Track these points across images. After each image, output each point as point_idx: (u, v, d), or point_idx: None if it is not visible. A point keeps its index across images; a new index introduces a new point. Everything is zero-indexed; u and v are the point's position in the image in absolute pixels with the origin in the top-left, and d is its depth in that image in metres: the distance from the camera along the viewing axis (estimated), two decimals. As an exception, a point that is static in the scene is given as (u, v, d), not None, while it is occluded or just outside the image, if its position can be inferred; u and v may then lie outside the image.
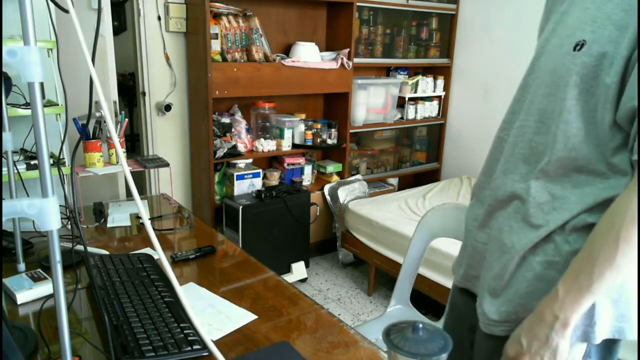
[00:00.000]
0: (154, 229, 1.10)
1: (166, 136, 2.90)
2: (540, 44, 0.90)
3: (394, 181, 3.73)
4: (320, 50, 3.04)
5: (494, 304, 0.89)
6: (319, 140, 3.15)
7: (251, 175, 2.91)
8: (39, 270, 1.12)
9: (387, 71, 3.62)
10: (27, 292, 1.03)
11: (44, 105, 1.50)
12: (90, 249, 1.29)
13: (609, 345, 0.90)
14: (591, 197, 0.80)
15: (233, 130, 2.88)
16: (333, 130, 3.17)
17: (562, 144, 0.80)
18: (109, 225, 1.50)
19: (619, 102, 0.75)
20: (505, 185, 0.89)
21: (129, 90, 4.59)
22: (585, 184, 0.81)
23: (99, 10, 0.72)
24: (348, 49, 3.05)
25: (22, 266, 1.16)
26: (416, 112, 3.60)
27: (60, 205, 0.61)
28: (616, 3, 0.76)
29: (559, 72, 0.81)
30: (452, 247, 2.15)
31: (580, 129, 0.79)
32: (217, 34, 2.65)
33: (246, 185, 2.90)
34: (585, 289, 0.75)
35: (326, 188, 3.17)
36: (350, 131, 3.24)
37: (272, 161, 3.27)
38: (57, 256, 0.59)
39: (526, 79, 0.91)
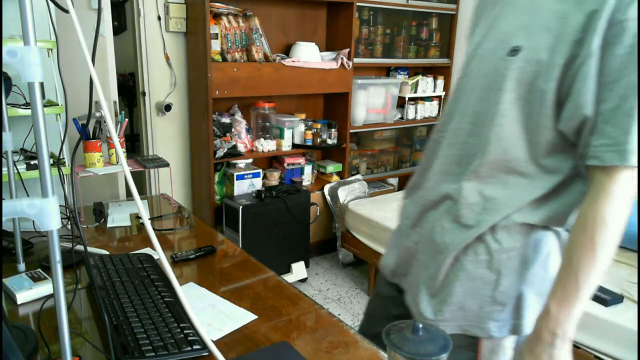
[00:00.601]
0: (154, 229, 1.10)
1: (166, 136, 2.90)
2: (471, 47, 0.91)
3: (394, 181, 3.73)
4: (320, 50, 3.04)
5: (430, 304, 0.92)
6: (319, 140, 3.15)
7: (251, 175, 2.91)
8: (39, 270, 1.12)
9: (387, 71, 3.62)
10: (27, 292, 1.03)
11: (44, 105, 1.50)
12: (90, 249, 1.29)
13: None
14: (520, 197, 0.84)
15: (233, 130, 2.88)
16: (333, 130, 3.17)
17: (494, 146, 0.83)
18: (109, 225, 1.50)
19: (556, 108, 0.78)
20: (438, 185, 0.92)
21: (129, 90, 4.58)
22: (514, 185, 0.84)
23: (99, 10, 0.72)
24: (348, 49, 3.05)
25: (22, 266, 1.16)
26: (416, 112, 3.60)
27: (60, 205, 0.61)
28: (552, 11, 0.77)
29: (493, 77, 0.83)
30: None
31: (513, 132, 0.82)
32: (217, 34, 2.65)
33: (246, 185, 2.90)
34: (575, 298, 0.77)
35: (326, 188, 3.17)
36: (350, 131, 3.24)
37: (272, 161, 3.27)
38: (57, 256, 0.59)
39: (459, 82, 0.92)
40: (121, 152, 0.62)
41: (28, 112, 1.50)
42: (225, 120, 2.86)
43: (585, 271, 0.77)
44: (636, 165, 0.73)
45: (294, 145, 3.07)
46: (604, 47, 0.73)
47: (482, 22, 0.92)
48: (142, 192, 2.98)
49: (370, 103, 3.33)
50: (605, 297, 1.84)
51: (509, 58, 0.80)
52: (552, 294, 0.80)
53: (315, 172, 3.29)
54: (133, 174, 0.77)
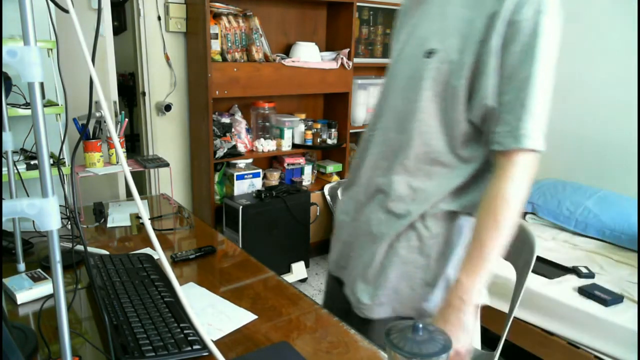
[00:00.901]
0: (154, 229, 1.10)
1: (166, 136, 2.90)
2: (395, 52, 1.01)
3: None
4: (320, 50, 3.04)
5: (367, 290, 1.00)
6: (319, 140, 3.15)
7: (251, 175, 2.91)
8: (39, 270, 1.12)
9: (387, 71, 3.62)
10: (27, 292, 1.03)
11: (44, 105, 1.50)
12: (90, 249, 1.29)
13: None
14: (443, 187, 0.93)
15: (233, 130, 2.88)
16: (333, 130, 3.17)
17: (417, 140, 0.93)
18: (109, 225, 1.50)
19: (468, 102, 0.88)
20: (371, 180, 1.01)
21: (129, 90, 4.58)
22: (437, 176, 0.94)
23: (99, 10, 0.72)
24: (348, 49, 3.05)
25: (22, 266, 1.16)
26: (416, 112, 3.60)
27: (60, 205, 0.61)
28: (458, 17, 0.87)
29: (413, 77, 0.92)
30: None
31: (433, 126, 0.91)
32: (217, 34, 2.65)
33: (246, 185, 2.90)
34: (480, 269, 0.88)
35: (326, 188, 3.17)
36: (350, 131, 3.24)
37: (272, 161, 3.27)
38: (57, 256, 0.59)
39: (386, 84, 1.01)
40: (121, 152, 0.62)
41: (28, 112, 1.51)
42: (225, 120, 2.86)
43: (490, 245, 0.87)
44: (531, 148, 0.83)
45: (294, 145, 3.07)
46: (503, 45, 0.83)
47: (403, 30, 1.02)
48: (142, 192, 2.98)
49: (370, 103, 3.33)
50: (605, 297, 1.84)
51: (426, 60, 0.89)
52: (462, 266, 0.90)
53: (315, 172, 3.29)
54: (133, 174, 0.77)
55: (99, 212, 1.55)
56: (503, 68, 0.84)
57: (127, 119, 1.73)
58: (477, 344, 1.46)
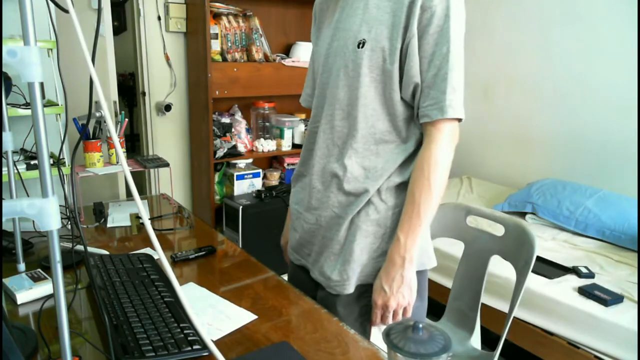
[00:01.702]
0: (154, 229, 1.10)
1: (166, 136, 2.90)
2: (322, 48, 1.09)
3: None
4: (320, 50, 3.03)
5: (335, 267, 1.07)
6: (319, 140, 3.14)
7: (251, 175, 2.91)
8: (39, 270, 1.12)
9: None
10: (27, 292, 1.03)
11: (44, 105, 1.50)
12: (90, 249, 1.29)
13: (420, 277, 1.09)
14: (392, 162, 1.03)
15: (233, 130, 2.88)
16: (333, 130, 3.17)
17: (363, 124, 1.01)
18: (109, 225, 1.50)
19: (401, 83, 0.98)
20: (325, 168, 1.08)
21: (129, 90, 4.58)
22: (385, 153, 1.03)
23: (99, 10, 0.72)
24: (348, 49, 3.04)
25: (22, 266, 1.16)
26: (416, 112, 3.60)
27: (60, 205, 0.61)
28: (382, 9, 0.96)
29: (350, 66, 1.00)
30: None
31: (376, 109, 1.01)
32: (217, 34, 2.65)
33: (246, 185, 2.90)
34: (418, 228, 0.98)
35: (326, 188, 3.16)
36: (350, 131, 3.23)
37: (272, 161, 3.27)
38: (57, 256, 0.59)
39: (322, 78, 1.08)
40: (121, 152, 0.62)
41: (28, 112, 1.51)
42: (225, 120, 2.86)
43: (425, 206, 0.97)
44: (452, 116, 0.94)
45: (294, 145, 3.07)
46: (421, 29, 0.94)
47: (325, 29, 1.11)
48: (142, 192, 2.98)
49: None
50: (605, 297, 1.84)
51: (359, 50, 0.98)
52: (400, 226, 0.99)
53: (315, 172, 3.29)
54: (133, 174, 0.77)
55: (99, 212, 1.55)
56: (423, 49, 0.95)
57: (127, 119, 1.73)
58: (477, 344, 1.46)
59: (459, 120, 0.98)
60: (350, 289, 1.06)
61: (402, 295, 1.00)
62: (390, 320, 1.03)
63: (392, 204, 1.04)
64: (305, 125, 3.10)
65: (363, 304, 1.08)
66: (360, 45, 0.98)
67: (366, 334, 1.08)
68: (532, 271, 1.30)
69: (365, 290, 1.07)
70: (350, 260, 1.05)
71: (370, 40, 0.97)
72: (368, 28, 0.98)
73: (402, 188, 1.04)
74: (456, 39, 0.94)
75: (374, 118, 1.01)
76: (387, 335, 0.65)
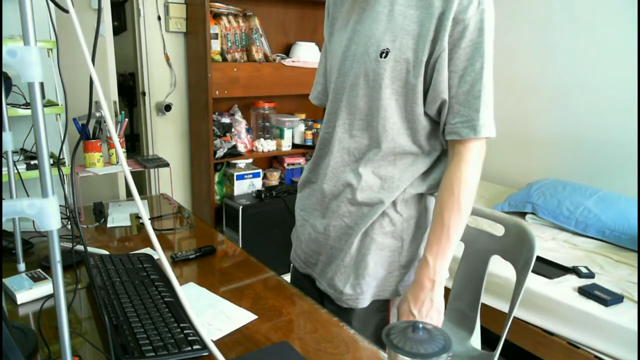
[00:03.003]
0: (154, 229, 1.09)
1: (166, 136, 2.90)
2: (338, 49, 1.02)
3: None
4: (320, 50, 3.04)
5: (349, 281, 1.03)
6: (319, 140, 3.15)
7: (251, 175, 2.91)
8: (39, 270, 1.12)
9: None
10: (27, 292, 1.03)
11: (44, 105, 1.50)
12: (90, 249, 1.29)
13: None
14: (410, 174, 0.99)
15: (233, 130, 2.88)
16: (333, 130, 3.17)
17: (384, 137, 0.97)
18: (109, 225, 1.50)
19: (424, 97, 0.93)
20: (339, 177, 1.03)
21: (129, 90, 4.58)
22: (405, 165, 0.99)
23: (99, 10, 0.72)
24: (348, 49, 3.04)
25: (22, 266, 1.16)
26: (416, 112, 3.59)
27: (60, 205, 0.61)
28: (407, 17, 0.91)
29: (371, 76, 0.95)
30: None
31: (396, 122, 0.96)
32: (217, 34, 2.65)
33: (246, 185, 2.90)
34: (447, 250, 0.94)
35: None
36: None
37: (272, 161, 3.27)
38: (57, 256, 0.59)
39: (337, 82, 1.03)
40: (121, 152, 0.62)
41: (28, 112, 1.51)
42: (225, 120, 2.86)
43: (455, 227, 0.93)
44: (485, 136, 0.91)
45: (294, 145, 3.07)
46: (453, 42, 0.89)
47: (340, 28, 1.05)
48: (142, 192, 2.98)
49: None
50: (605, 297, 1.84)
51: (381, 59, 0.93)
52: (428, 248, 0.96)
53: (315, 172, 3.29)
54: (133, 174, 0.77)
55: (99, 212, 1.55)
56: (454, 64, 0.90)
57: (127, 119, 1.73)
58: (477, 344, 1.46)
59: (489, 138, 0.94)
60: (364, 303, 1.03)
61: (431, 319, 0.97)
62: None
63: (407, 215, 1.00)
64: (306, 126, 3.10)
65: (379, 319, 1.05)
66: (384, 55, 0.92)
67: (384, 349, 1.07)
68: (532, 271, 1.29)
69: (381, 305, 1.05)
70: (364, 274, 1.01)
71: (394, 50, 0.92)
72: (392, 37, 0.92)
73: (418, 199, 1.01)
74: (489, 54, 0.90)
75: (394, 132, 0.97)
76: (387, 335, 0.65)
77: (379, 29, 0.94)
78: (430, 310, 0.96)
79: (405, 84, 0.93)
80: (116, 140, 0.58)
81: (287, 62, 2.87)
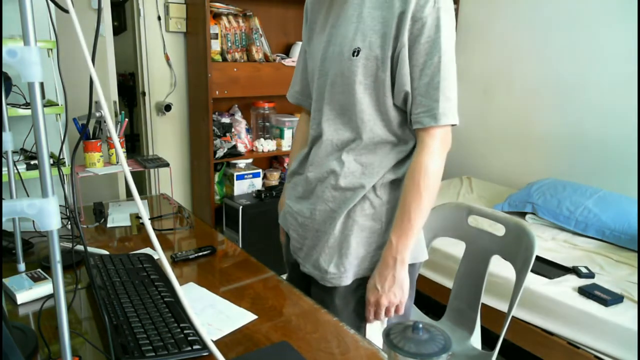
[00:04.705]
0: (154, 229, 1.09)
1: (166, 136, 2.90)
2: (318, 52, 1.11)
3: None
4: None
5: (332, 260, 1.09)
6: (319, 140, 3.14)
7: (251, 175, 2.91)
8: (39, 270, 1.12)
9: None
10: (27, 292, 1.03)
11: (44, 105, 1.50)
12: (90, 249, 1.29)
13: (411, 269, 1.14)
14: (388, 160, 1.07)
15: (233, 130, 2.88)
16: (333, 130, 3.17)
17: (362, 128, 1.05)
18: (109, 225, 1.50)
19: (393, 90, 1.01)
20: (323, 165, 1.11)
21: (129, 90, 4.58)
22: (384, 153, 1.07)
23: (99, 10, 0.72)
24: (348, 49, 3.04)
25: (22, 266, 1.16)
26: (416, 112, 3.59)
27: (60, 205, 0.61)
28: (374, 17, 0.99)
29: (346, 74, 1.03)
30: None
31: (372, 114, 1.04)
32: (217, 34, 2.65)
33: (246, 185, 2.90)
34: (409, 232, 1.02)
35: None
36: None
37: (272, 161, 3.27)
38: (57, 256, 0.59)
39: (319, 82, 1.11)
40: (121, 152, 0.62)
41: (28, 112, 1.50)
42: (225, 120, 2.86)
43: (415, 210, 1.01)
44: (445, 124, 0.98)
45: (294, 145, 3.07)
46: (413, 38, 0.96)
47: (318, 31, 1.13)
48: (142, 192, 2.98)
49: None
50: (605, 297, 1.84)
51: (354, 58, 1.01)
52: (392, 229, 1.04)
53: (315, 172, 3.28)
54: (133, 174, 0.77)
55: (99, 212, 1.55)
56: (415, 58, 0.97)
57: (127, 119, 1.73)
58: (478, 343, 1.46)
59: (453, 125, 1.01)
60: (347, 281, 1.09)
61: (394, 294, 1.05)
62: (382, 317, 1.08)
63: (386, 199, 1.08)
64: (305, 125, 3.10)
65: (359, 296, 1.11)
66: (355, 54, 1.01)
67: (361, 327, 1.12)
68: (532, 271, 1.30)
69: (361, 283, 1.10)
70: (347, 253, 1.08)
71: (365, 49, 1.00)
72: (362, 37, 1.00)
73: (397, 184, 1.07)
74: (447, 48, 0.96)
75: (371, 123, 1.05)
76: (387, 335, 0.65)
77: (350, 30, 1.02)
78: (393, 285, 1.04)
79: (376, 79, 1.01)
80: (116, 140, 0.58)
81: (287, 62, 2.87)
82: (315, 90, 1.13)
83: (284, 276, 1.21)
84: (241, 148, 2.89)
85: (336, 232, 1.09)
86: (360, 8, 1.02)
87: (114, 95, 2.61)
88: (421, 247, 1.15)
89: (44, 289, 1.04)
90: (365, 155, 1.07)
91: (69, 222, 1.42)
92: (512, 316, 1.33)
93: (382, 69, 1.00)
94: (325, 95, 1.09)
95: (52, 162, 0.74)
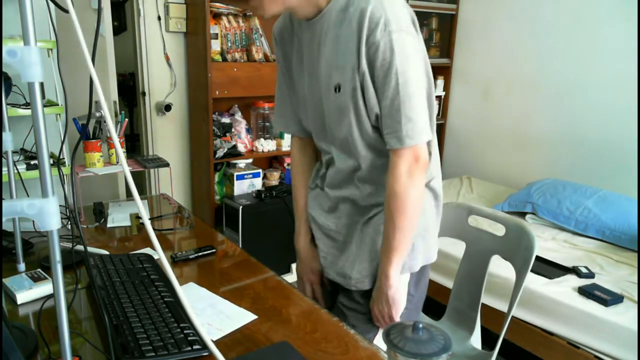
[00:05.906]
0: (154, 229, 1.09)
1: (166, 136, 2.90)
2: (301, 85, 1.15)
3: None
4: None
5: (354, 266, 1.14)
6: (319, 140, 3.14)
7: (251, 175, 2.91)
8: (39, 270, 1.12)
9: (387, 71, 3.62)
10: (27, 292, 1.03)
11: (44, 105, 1.50)
12: (90, 249, 1.29)
13: (422, 270, 1.19)
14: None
15: (233, 130, 2.88)
16: (333, 130, 3.17)
17: (362, 158, 1.09)
18: (109, 225, 1.50)
19: (369, 115, 1.03)
20: (341, 188, 1.17)
21: (129, 90, 4.58)
22: (384, 173, 1.06)
23: (99, 10, 0.72)
24: (348, 49, 3.04)
25: (22, 266, 1.16)
26: (416, 112, 3.59)
27: (60, 205, 0.61)
28: (347, 50, 0.98)
29: (342, 109, 1.04)
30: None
31: (363, 145, 1.07)
32: (217, 34, 2.65)
33: (246, 185, 2.90)
34: (390, 252, 1.05)
35: (326, 188, 3.16)
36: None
37: (272, 161, 3.26)
38: (57, 256, 0.59)
39: (314, 121, 1.15)
40: (121, 152, 0.62)
41: (28, 112, 1.50)
42: (225, 120, 2.86)
43: (392, 233, 1.03)
44: (409, 145, 0.98)
45: (294, 145, 3.07)
46: (370, 63, 0.97)
47: (297, 65, 1.15)
48: (142, 192, 2.98)
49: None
50: (605, 297, 1.84)
51: (337, 94, 1.03)
52: (381, 256, 1.08)
53: (315, 172, 3.28)
54: (133, 174, 0.77)
55: (99, 212, 1.56)
56: (375, 82, 0.98)
57: (127, 119, 1.73)
58: (478, 343, 1.46)
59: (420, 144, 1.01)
60: (369, 285, 1.14)
61: (382, 305, 1.10)
62: (381, 324, 1.14)
63: None
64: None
65: None
66: (337, 90, 1.02)
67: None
68: (532, 271, 1.30)
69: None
70: (364, 258, 1.14)
71: (343, 85, 1.01)
72: (338, 72, 1.01)
73: None
74: (405, 69, 0.95)
75: (364, 152, 1.08)
76: (387, 335, 0.65)
77: (330, 66, 1.03)
78: (381, 297, 1.10)
79: (358, 108, 1.02)
80: (116, 140, 0.58)
81: (287, 62, 2.86)
82: (313, 127, 1.19)
83: (285, 276, 1.21)
84: (241, 148, 2.89)
85: (358, 240, 1.15)
86: (337, 41, 1.01)
87: (114, 95, 2.61)
88: (431, 249, 1.18)
89: (44, 289, 1.04)
90: (374, 176, 1.11)
91: (69, 222, 1.42)
92: (512, 316, 1.33)
93: (360, 98, 1.01)
94: (327, 132, 1.13)
95: (52, 162, 0.74)
